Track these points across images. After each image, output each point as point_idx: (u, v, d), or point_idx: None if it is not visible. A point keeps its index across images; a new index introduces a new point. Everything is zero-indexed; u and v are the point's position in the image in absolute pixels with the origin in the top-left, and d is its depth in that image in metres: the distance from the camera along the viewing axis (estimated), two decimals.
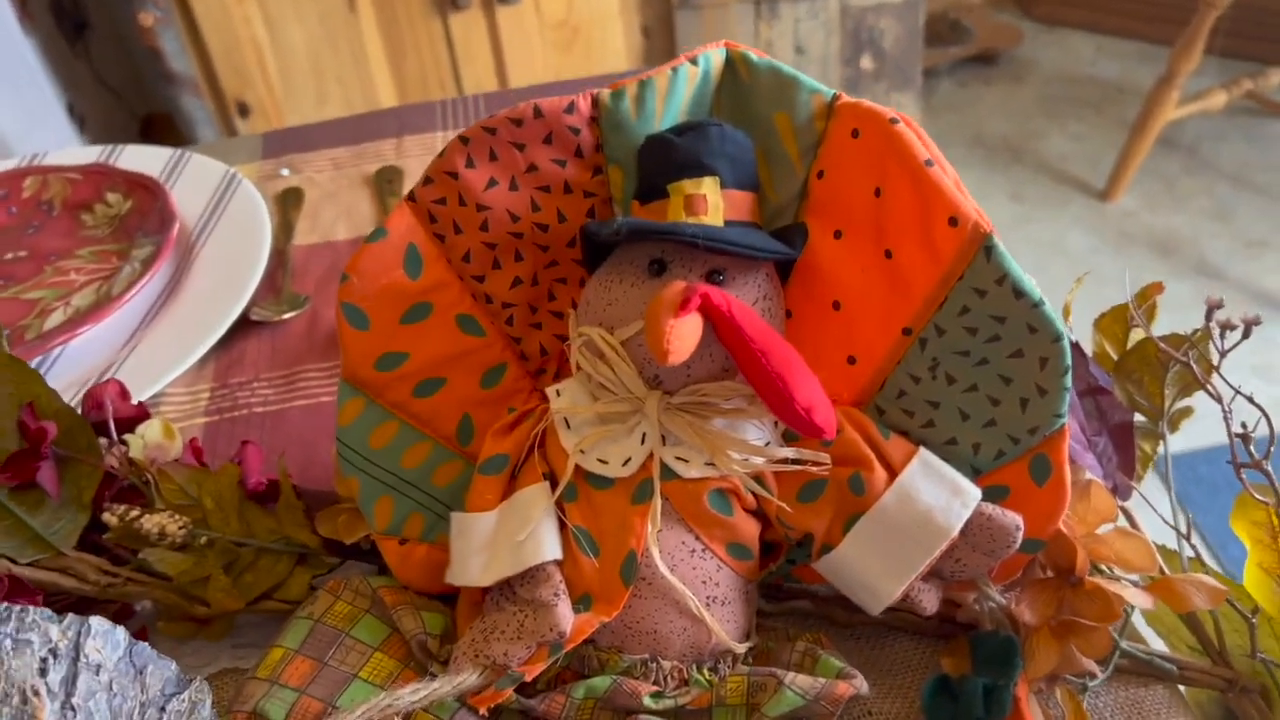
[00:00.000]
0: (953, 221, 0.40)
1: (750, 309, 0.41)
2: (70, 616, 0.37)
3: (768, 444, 0.45)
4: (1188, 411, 0.56)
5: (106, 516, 0.50)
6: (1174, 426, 0.56)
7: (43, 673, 0.35)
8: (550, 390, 0.46)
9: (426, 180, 0.45)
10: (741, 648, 0.45)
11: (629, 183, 0.46)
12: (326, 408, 0.67)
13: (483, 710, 0.43)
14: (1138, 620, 0.55)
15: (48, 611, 0.37)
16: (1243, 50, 2.50)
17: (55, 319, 0.72)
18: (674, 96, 0.45)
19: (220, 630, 0.53)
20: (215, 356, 0.71)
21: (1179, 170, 2.33)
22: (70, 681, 0.35)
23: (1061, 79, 2.66)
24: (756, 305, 0.44)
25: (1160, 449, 0.56)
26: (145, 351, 0.70)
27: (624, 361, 0.43)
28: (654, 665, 0.44)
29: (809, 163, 0.45)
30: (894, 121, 0.42)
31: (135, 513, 0.50)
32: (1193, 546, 0.50)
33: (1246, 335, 0.48)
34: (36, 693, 0.34)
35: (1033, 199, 2.30)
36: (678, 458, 0.44)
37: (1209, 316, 0.48)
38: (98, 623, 0.37)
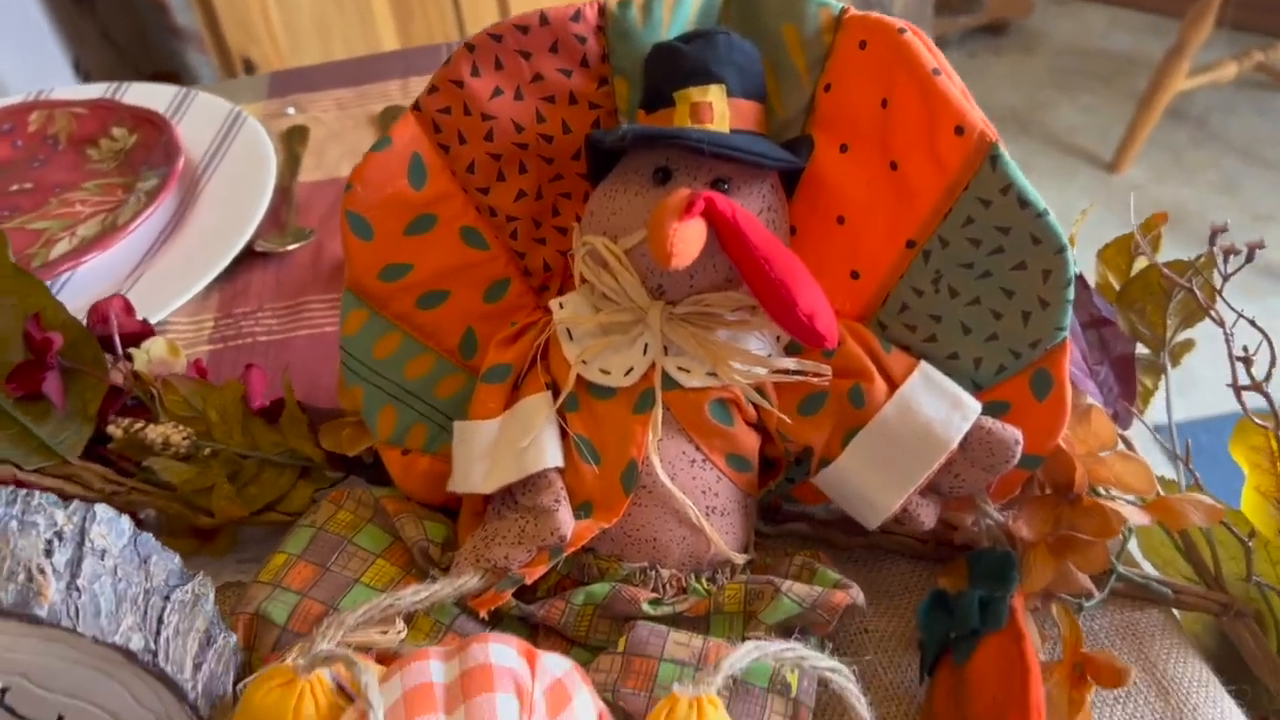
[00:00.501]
0: (959, 130, 0.40)
1: (754, 217, 0.41)
2: (76, 503, 0.37)
3: (770, 355, 0.45)
4: (1189, 345, 0.56)
5: (111, 429, 0.51)
6: (1175, 360, 0.56)
7: (48, 554, 0.35)
8: (553, 302, 0.46)
9: (431, 89, 0.45)
10: (740, 558, 0.46)
11: (635, 95, 0.46)
12: (330, 337, 0.67)
13: (483, 613, 0.43)
14: (1135, 553, 0.55)
15: (53, 497, 0.37)
16: (1254, 23, 2.48)
17: (61, 248, 0.72)
18: (681, 6, 0.45)
19: (224, 546, 0.53)
20: (219, 287, 0.71)
21: (1187, 143, 2.32)
22: (75, 564, 0.36)
23: (1072, 50, 2.65)
24: (761, 216, 0.44)
25: (1161, 382, 0.56)
26: (150, 281, 0.70)
27: (627, 270, 0.43)
28: (653, 573, 0.45)
29: (816, 76, 0.45)
30: (902, 31, 0.42)
31: (140, 425, 0.50)
32: (1191, 472, 0.51)
33: (1250, 259, 0.48)
34: (42, 571, 0.34)
35: (1041, 170, 2.29)
36: (679, 368, 0.44)
37: (1213, 240, 0.48)
38: (103, 510, 0.38)
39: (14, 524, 0.35)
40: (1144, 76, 2.28)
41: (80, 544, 0.36)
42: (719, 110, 0.43)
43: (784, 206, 0.46)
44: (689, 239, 0.39)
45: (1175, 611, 0.52)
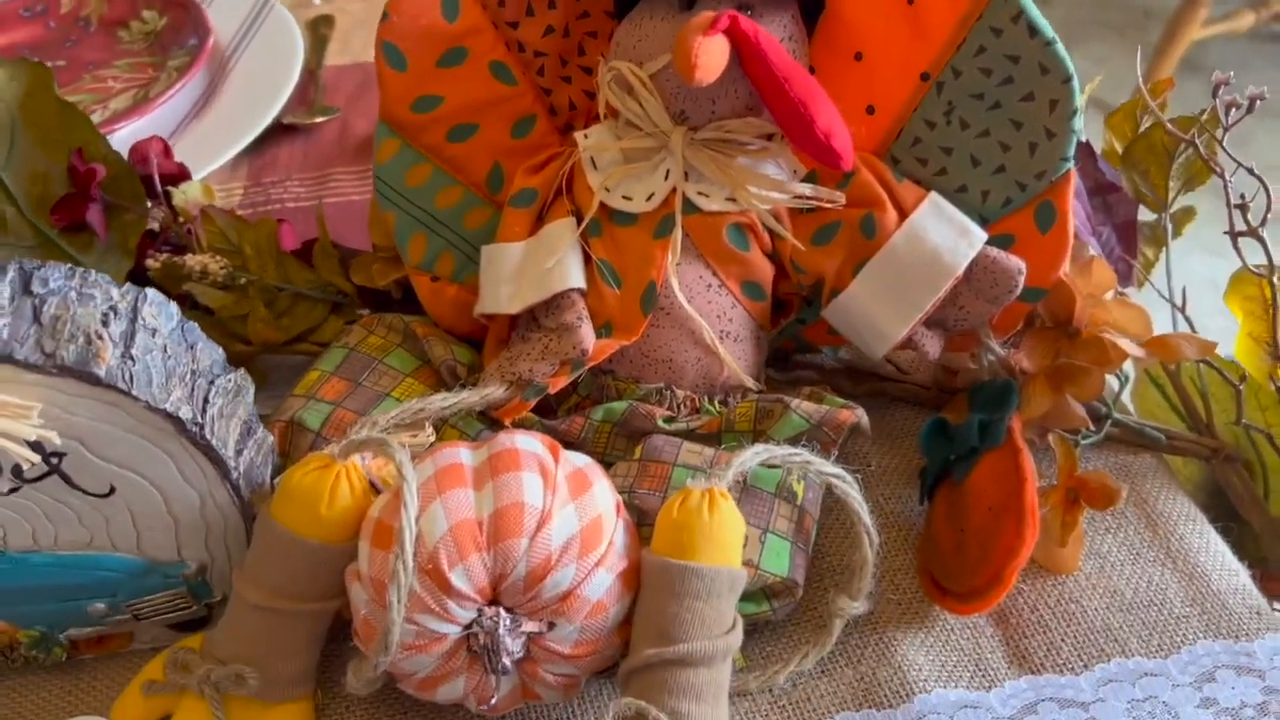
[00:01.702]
0: None
1: (775, 39, 0.43)
2: (128, 284, 0.40)
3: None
4: (1191, 213, 0.58)
5: (149, 261, 0.53)
6: (1178, 228, 0.58)
7: (105, 323, 0.37)
8: (578, 133, 0.48)
9: None
10: (751, 382, 0.48)
11: None
12: (358, 206, 0.69)
13: (507, 422, 0.46)
14: (1131, 409, 0.57)
15: (108, 276, 0.39)
16: None
17: (94, 119, 0.73)
18: None
19: (256, 380, 0.55)
20: (248, 159, 0.73)
21: (1201, 95, 2.32)
22: (129, 336, 0.38)
23: (1086, 1, 2.63)
24: (782, 44, 0.46)
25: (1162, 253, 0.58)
26: (182, 150, 0.71)
27: (652, 95, 0.45)
28: (669, 393, 0.47)
29: None
30: None
31: (178, 257, 0.52)
32: (1188, 320, 0.53)
33: (1250, 110, 0.49)
34: (100, 336, 0.36)
35: None
36: (700, 192, 0.46)
37: (1215, 94, 0.50)
38: (153, 293, 0.40)
39: (73, 294, 0.38)
40: (1157, 28, 2.27)
41: (133, 319, 0.39)
42: None
43: (804, 40, 0.47)
44: (713, 53, 0.41)
45: (1168, 460, 0.54)
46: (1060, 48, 0.42)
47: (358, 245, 0.66)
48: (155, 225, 0.56)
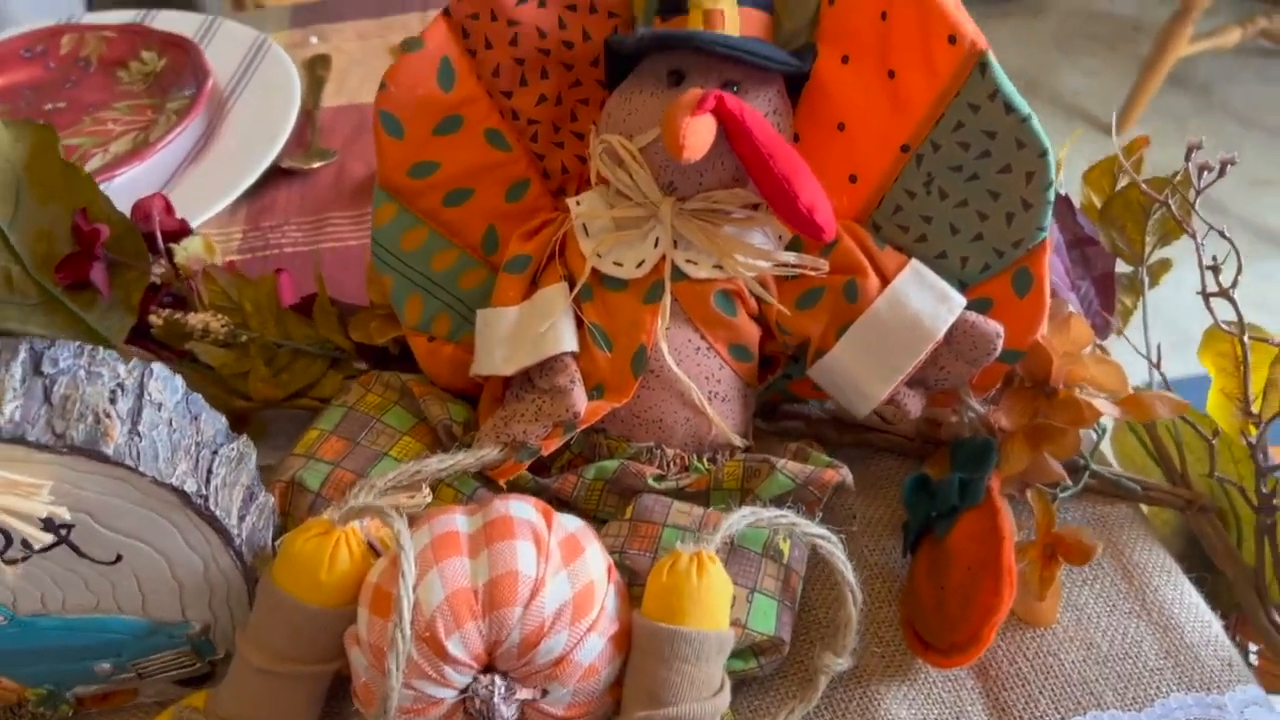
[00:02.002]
0: (952, 40, 0.43)
1: (761, 116, 0.45)
2: (135, 360, 0.41)
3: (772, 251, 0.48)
4: (1167, 264, 0.59)
5: (153, 317, 0.54)
6: (1154, 279, 0.59)
7: (113, 401, 0.38)
8: (571, 200, 0.50)
9: None
10: (739, 441, 0.49)
11: (651, 4, 0.49)
12: (355, 251, 0.70)
13: (502, 483, 0.47)
14: (1110, 455, 0.59)
15: (115, 354, 0.41)
16: None
17: (95, 163, 0.75)
18: None
19: (255, 433, 0.57)
20: (246, 202, 0.75)
21: (1189, 109, 2.34)
22: (136, 413, 0.39)
23: (1078, 14, 2.65)
24: (767, 118, 0.47)
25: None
26: (180, 195, 0.73)
27: (641, 167, 0.47)
28: (659, 452, 0.48)
29: None
30: None
31: (180, 314, 0.54)
32: (1163, 376, 0.54)
33: (1222, 174, 0.51)
34: (108, 415, 0.38)
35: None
36: (687, 260, 0.47)
37: (1188, 157, 0.52)
38: (159, 367, 0.41)
39: (82, 373, 0.39)
40: (1147, 42, 2.29)
41: (140, 395, 0.40)
42: (730, 18, 0.46)
43: (789, 112, 0.49)
44: (700, 132, 0.42)
45: (1144, 510, 0.56)
46: (1035, 123, 0.44)
47: (354, 290, 0.67)
48: (157, 278, 0.57)
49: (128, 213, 0.68)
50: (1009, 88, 0.43)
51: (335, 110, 0.83)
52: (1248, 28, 2.12)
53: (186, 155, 0.77)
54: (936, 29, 0.44)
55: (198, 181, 0.74)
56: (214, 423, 0.43)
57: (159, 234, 0.56)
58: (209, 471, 0.41)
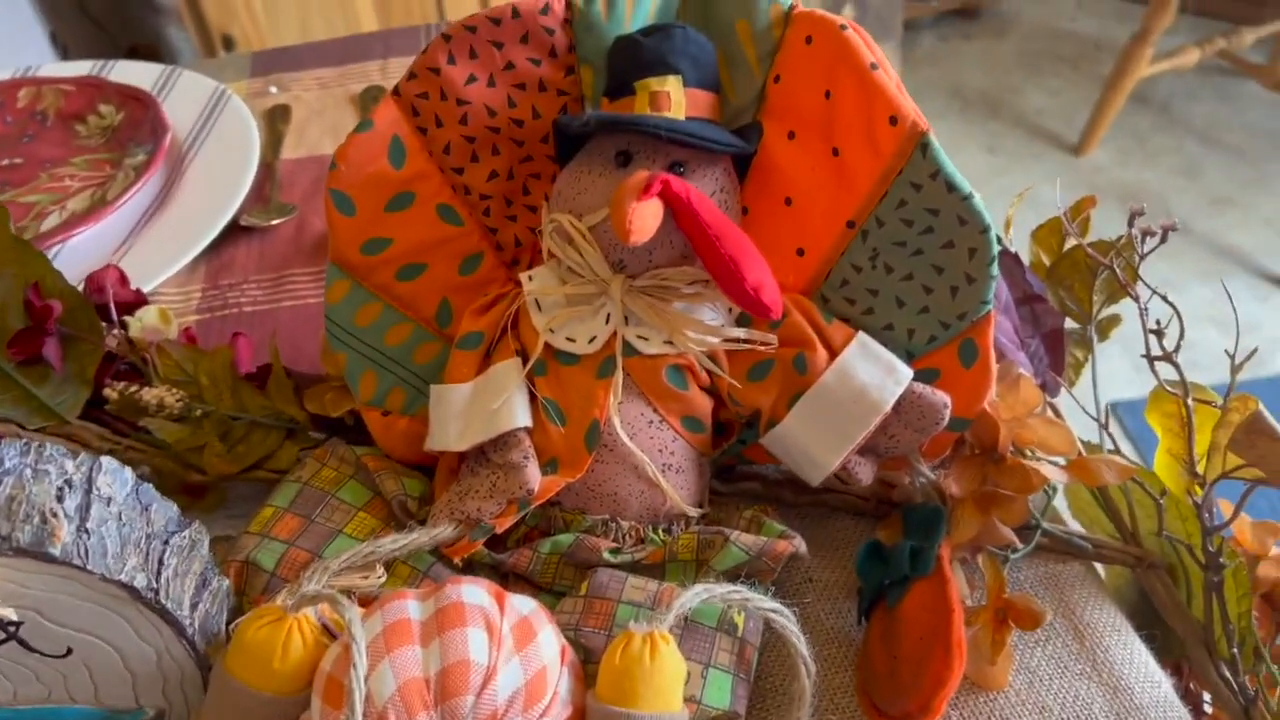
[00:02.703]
0: (893, 120, 0.44)
1: (707, 198, 0.45)
2: (83, 454, 0.41)
3: (721, 325, 0.49)
4: (1116, 320, 0.60)
5: (108, 391, 0.54)
6: (1103, 334, 0.60)
7: (60, 499, 0.38)
8: (523, 276, 0.50)
9: (411, 75, 0.48)
10: (694, 511, 0.50)
11: (599, 82, 0.49)
12: (314, 308, 0.70)
13: (457, 561, 0.47)
14: (1063, 510, 0.60)
15: (63, 448, 0.41)
16: (1216, 9, 2.54)
17: (51, 221, 0.75)
18: (643, 1, 0.48)
19: (213, 503, 0.57)
20: (206, 260, 0.74)
21: (1150, 127, 2.37)
22: (84, 509, 0.39)
23: (1041, 35, 2.69)
24: (714, 196, 0.48)
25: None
26: (138, 254, 0.73)
27: (591, 246, 0.47)
28: (614, 525, 0.49)
29: (766, 68, 0.48)
30: (843, 28, 0.45)
31: (135, 388, 0.54)
32: (1111, 437, 0.55)
33: (1164, 240, 0.52)
34: (55, 515, 0.38)
35: (1008, 152, 2.33)
36: (639, 336, 0.48)
37: (1131, 223, 0.53)
38: (108, 461, 0.41)
39: (28, 472, 0.39)
40: (1109, 61, 2.32)
41: (88, 491, 0.40)
42: (676, 99, 0.46)
43: (736, 189, 0.49)
44: (646, 217, 0.43)
45: (1099, 567, 0.56)
46: (977, 201, 0.45)
47: (314, 350, 0.67)
48: (114, 346, 0.57)
49: (83, 275, 0.68)
50: (950, 167, 0.44)
51: (295, 162, 0.83)
52: (1206, 49, 2.15)
53: (144, 213, 0.76)
54: (878, 110, 0.44)
55: (156, 240, 0.74)
56: (165, 512, 0.43)
57: (113, 306, 0.56)
58: (160, 563, 0.41)
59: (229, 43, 1.95)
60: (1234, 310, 0.50)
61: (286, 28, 1.96)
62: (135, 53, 2.33)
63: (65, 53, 2.01)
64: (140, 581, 0.39)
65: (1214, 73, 2.48)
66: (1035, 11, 2.78)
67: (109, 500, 0.40)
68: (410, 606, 0.42)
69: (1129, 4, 2.70)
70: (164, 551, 0.42)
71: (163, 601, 0.40)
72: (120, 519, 0.40)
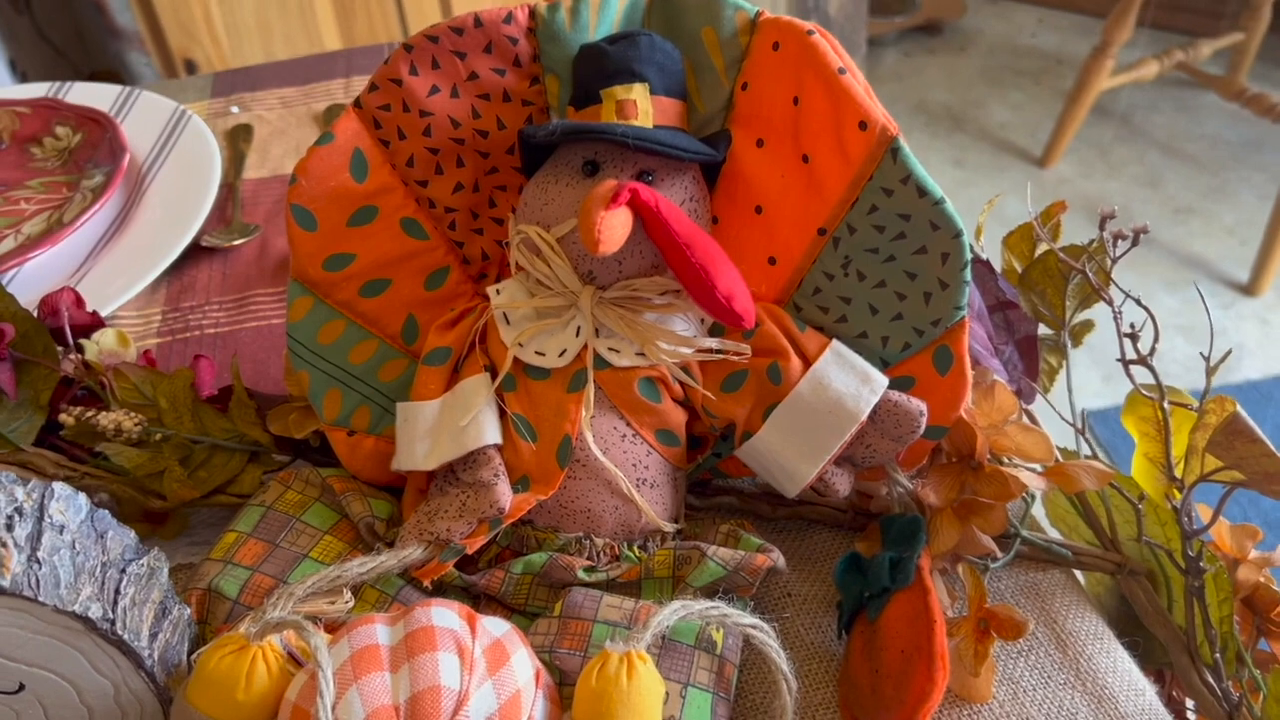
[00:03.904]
0: (862, 125, 0.44)
1: (676, 206, 0.44)
2: (34, 481, 0.39)
3: (694, 336, 0.48)
4: (1089, 325, 0.60)
5: (63, 417, 0.52)
6: (1076, 340, 0.60)
7: (9, 528, 0.37)
8: (491, 289, 0.49)
9: (372, 87, 0.47)
10: (669, 527, 0.49)
11: (565, 91, 0.48)
12: (277, 329, 0.69)
13: (427, 583, 0.46)
14: (1042, 519, 0.59)
15: (12, 475, 0.39)
16: (1173, 23, 2.58)
17: (6, 245, 0.73)
18: (607, 10, 0.47)
19: (174, 530, 0.55)
20: (167, 282, 0.73)
21: (1113, 139, 2.40)
22: (35, 538, 0.37)
23: (1003, 50, 2.72)
24: (683, 205, 0.47)
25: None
26: (96, 276, 0.71)
27: (559, 257, 0.46)
28: (588, 542, 0.48)
29: (734, 75, 0.48)
30: (810, 33, 0.45)
31: (91, 413, 0.52)
32: (1088, 442, 0.55)
33: (1135, 243, 0.52)
34: (4, 544, 0.36)
35: (973, 165, 2.35)
36: (610, 348, 0.47)
37: (1102, 227, 0.52)
38: (60, 487, 0.40)
39: None
40: (1071, 75, 2.35)
41: (40, 519, 0.38)
42: (643, 107, 0.45)
43: (705, 197, 0.49)
44: (615, 227, 0.42)
45: (1078, 574, 0.56)
46: (949, 206, 0.44)
47: (278, 371, 0.66)
48: (71, 370, 0.55)
49: (37, 298, 0.66)
50: (921, 172, 0.44)
51: (257, 182, 0.82)
52: (1164, 61, 2.18)
53: (103, 235, 0.75)
54: (847, 115, 0.44)
55: (115, 263, 0.72)
56: (122, 539, 0.42)
57: (68, 329, 0.54)
58: (116, 592, 0.40)
59: (191, 67, 1.94)
60: (1207, 313, 0.50)
61: (250, 51, 1.94)
62: (95, 79, 2.31)
63: (24, 80, 1.98)
64: (95, 612, 0.38)
65: (1173, 84, 2.51)
66: (997, 27, 2.81)
67: (61, 528, 0.39)
68: (378, 631, 0.41)
69: (1089, 18, 2.73)
70: (120, 580, 0.40)
71: (119, 632, 0.39)
72: (74, 547, 0.39)
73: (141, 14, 1.90)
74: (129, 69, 1.98)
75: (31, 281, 0.71)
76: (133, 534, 0.42)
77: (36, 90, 0.89)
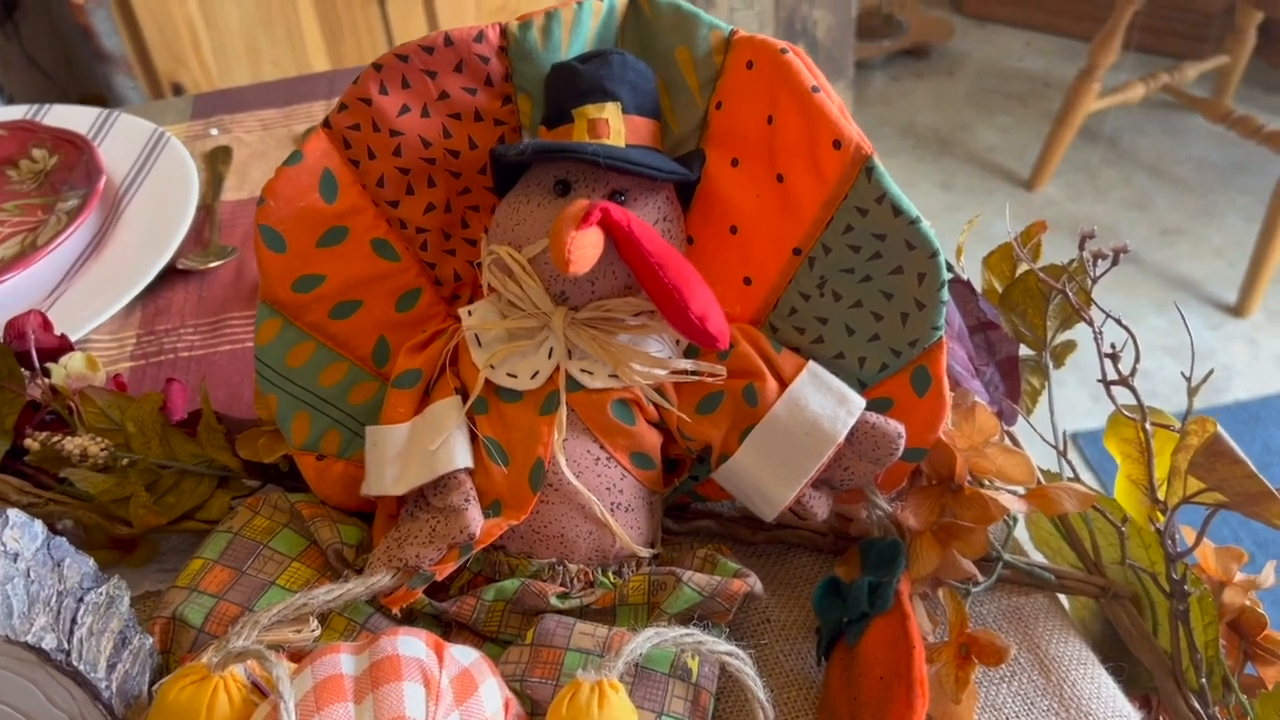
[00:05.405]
0: (837, 144, 0.43)
1: (649, 226, 0.44)
2: None
3: (668, 357, 0.47)
4: (1071, 346, 0.59)
5: (28, 442, 0.51)
6: (1058, 361, 0.59)
7: None
8: (462, 310, 0.48)
9: (341, 107, 0.47)
10: (645, 552, 0.48)
11: (537, 111, 0.48)
12: (252, 352, 0.68)
13: (395, 611, 0.45)
14: (1026, 542, 0.59)
15: None
16: (1159, 46, 2.59)
17: None
18: (579, 29, 0.47)
19: (143, 557, 0.54)
20: (142, 305, 0.72)
21: (1100, 161, 2.41)
22: None
23: (990, 73, 2.73)
24: (657, 225, 0.46)
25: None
26: (71, 299, 0.70)
27: (531, 278, 0.46)
28: (561, 568, 0.47)
29: (708, 94, 0.47)
30: (784, 51, 0.45)
31: (57, 437, 0.51)
32: (1070, 464, 0.54)
33: (1115, 263, 0.51)
34: None
35: (961, 188, 2.35)
36: (583, 370, 0.46)
37: (1082, 246, 0.52)
38: (15, 514, 0.39)
39: None
40: (1058, 97, 2.36)
41: None
42: (615, 126, 0.45)
43: (679, 217, 0.48)
44: (586, 246, 0.41)
45: (1062, 598, 0.55)
46: (924, 225, 0.44)
47: (251, 392, 0.65)
48: (37, 394, 0.55)
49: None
50: (896, 191, 0.43)
51: (236, 204, 0.81)
52: (1150, 84, 2.19)
53: (78, 258, 0.74)
54: (821, 134, 0.43)
55: (89, 286, 0.71)
56: (80, 567, 0.41)
57: (34, 353, 0.54)
58: (73, 622, 0.39)
59: (179, 91, 1.93)
60: (1189, 334, 0.50)
61: (238, 74, 1.94)
62: (84, 103, 2.31)
63: (12, 103, 1.98)
64: (49, 642, 0.37)
65: (1159, 107, 2.52)
66: (984, 51, 2.83)
67: (16, 556, 0.38)
68: (343, 661, 0.40)
69: (1075, 41, 2.75)
70: (78, 609, 0.39)
71: (75, 663, 0.38)
72: (29, 576, 0.38)
73: (129, 38, 1.90)
74: (117, 93, 1.98)
75: (4, 305, 0.70)
76: (91, 562, 0.41)
77: (14, 113, 0.88)
